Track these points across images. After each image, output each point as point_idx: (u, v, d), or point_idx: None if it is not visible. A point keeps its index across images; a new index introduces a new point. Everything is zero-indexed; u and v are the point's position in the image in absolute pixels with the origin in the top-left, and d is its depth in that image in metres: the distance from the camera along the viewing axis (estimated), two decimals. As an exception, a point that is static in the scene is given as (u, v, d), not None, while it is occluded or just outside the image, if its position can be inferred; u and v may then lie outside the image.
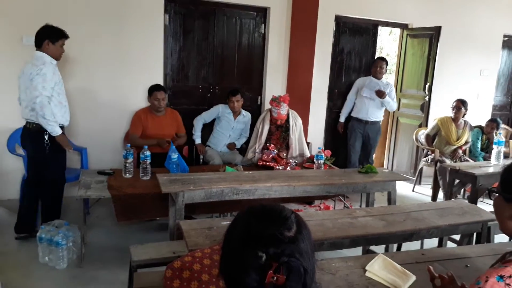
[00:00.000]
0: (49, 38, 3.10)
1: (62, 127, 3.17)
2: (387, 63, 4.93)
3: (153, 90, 3.79)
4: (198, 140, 4.16)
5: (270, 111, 4.07)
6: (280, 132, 4.10)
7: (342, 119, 4.98)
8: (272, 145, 3.97)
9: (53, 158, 3.16)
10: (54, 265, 2.82)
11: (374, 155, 5.05)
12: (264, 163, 3.73)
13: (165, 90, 3.87)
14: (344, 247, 2.28)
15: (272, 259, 0.84)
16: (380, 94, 4.59)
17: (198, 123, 4.18)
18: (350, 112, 4.96)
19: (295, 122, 4.12)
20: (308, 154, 4.15)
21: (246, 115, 4.30)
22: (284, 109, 3.98)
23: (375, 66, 4.84)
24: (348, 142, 4.91)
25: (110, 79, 4.05)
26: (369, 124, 4.80)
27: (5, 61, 3.78)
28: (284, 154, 3.95)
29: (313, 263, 0.91)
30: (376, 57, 5.11)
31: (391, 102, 4.72)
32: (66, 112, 3.22)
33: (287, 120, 4.08)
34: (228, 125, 4.18)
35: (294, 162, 3.85)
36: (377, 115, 4.82)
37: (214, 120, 4.26)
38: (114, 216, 2.95)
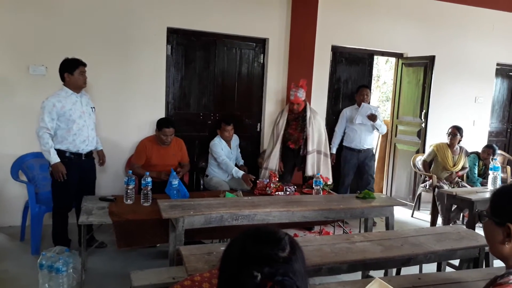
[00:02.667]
0: (67, 70, 3.27)
1: (76, 152, 3.32)
2: (370, 90, 4.96)
3: (163, 126, 3.75)
4: (239, 174, 3.99)
5: (289, 101, 4.22)
6: (297, 122, 4.21)
7: (333, 150, 4.85)
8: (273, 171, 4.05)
9: (55, 184, 3.31)
10: (54, 292, 2.82)
11: (373, 182, 4.89)
12: (260, 191, 3.74)
13: (174, 125, 3.83)
14: (342, 272, 2.29)
15: (267, 278, 0.88)
16: (373, 118, 4.61)
17: (227, 162, 4.05)
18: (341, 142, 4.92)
19: (313, 116, 4.22)
20: (327, 152, 4.30)
21: (235, 139, 4.35)
22: (301, 93, 4.11)
23: (360, 94, 4.79)
24: (342, 171, 4.83)
25: (113, 107, 4.15)
26: (363, 152, 4.76)
27: (12, 91, 3.89)
28: (277, 179, 3.95)
29: (306, 284, 0.95)
30: (359, 86, 5.01)
31: (382, 125, 4.75)
32: (77, 140, 3.30)
33: (305, 111, 4.18)
34: (226, 155, 4.15)
35: (293, 187, 3.89)
36: (370, 142, 4.83)
37: (208, 151, 4.22)
38: (115, 242, 2.98)
